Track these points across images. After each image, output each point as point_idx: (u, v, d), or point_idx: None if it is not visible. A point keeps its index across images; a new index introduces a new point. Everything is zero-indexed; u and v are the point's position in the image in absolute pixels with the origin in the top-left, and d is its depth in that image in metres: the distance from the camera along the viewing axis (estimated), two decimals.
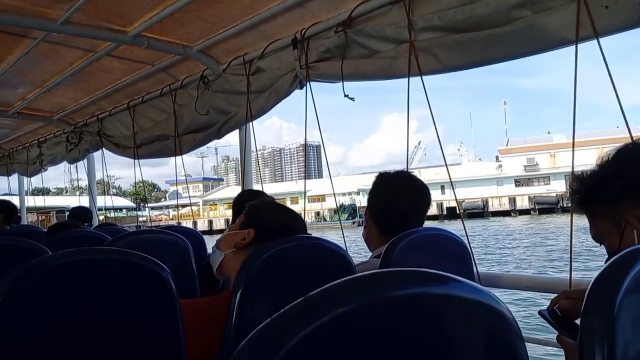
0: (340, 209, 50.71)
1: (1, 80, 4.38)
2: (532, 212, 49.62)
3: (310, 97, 3.12)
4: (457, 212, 49.44)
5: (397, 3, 2.51)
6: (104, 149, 5.41)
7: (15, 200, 7.57)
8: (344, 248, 1.81)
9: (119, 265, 1.33)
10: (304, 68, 3.05)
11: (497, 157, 63.36)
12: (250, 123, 3.72)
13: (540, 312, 1.20)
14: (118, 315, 1.30)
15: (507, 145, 62.09)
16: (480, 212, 51.40)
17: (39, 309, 1.20)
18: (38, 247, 2.01)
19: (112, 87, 4.57)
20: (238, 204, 2.97)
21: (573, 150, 1.98)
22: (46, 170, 6.83)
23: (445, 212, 49.12)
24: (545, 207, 48.94)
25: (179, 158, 4.37)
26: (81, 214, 5.45)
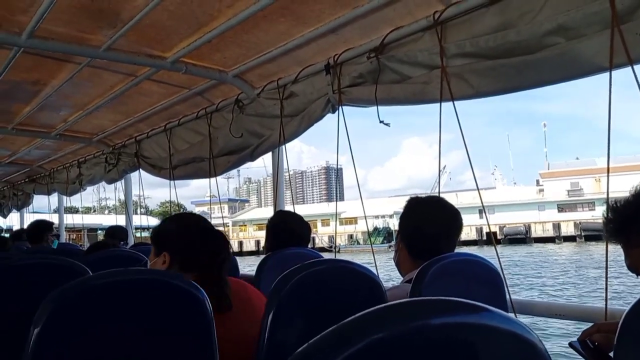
0: (374, 232, 49.66)
1: (45, 104, 4.57)
2: (577, 238, 47.61)
3: (343, 121, 3.16)
4: (497, 237, 47.81)
5: (429, 30, 2.54)
6: (140, 169, 5.56)
7: (55, 219, 7.81)
8: (376, 272, 1.83)
9: (156, 286, 1.37)
10: (336, 93, 3.09)
11: (537, 182, 61.34)
12: (283, 146, 3.78)
13: (571, 344, 1.18)
14: (155, 334, 1.34)
15: (548, 169, 60.18)
16: (522, 237, 49.59)
17: (81, 327, 1.25)
18: (78, 265, 2.07)
19: (150, 110, 4.71)
20: (271, 226, 3.01)
21: (608, 177, 1.96)
22: (85, 189, 7.03)
23: (484, 237, 47.14)
24: (591, 234, 46.14)
25: (209, 180, 4.47)
26: (117, 233, 5.60)
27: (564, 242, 47.21)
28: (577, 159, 62.99)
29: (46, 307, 1.22)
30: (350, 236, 54.12)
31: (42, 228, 5.29)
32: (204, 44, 3.18)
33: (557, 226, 50.04)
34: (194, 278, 1.71)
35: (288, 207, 4.23)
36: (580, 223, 48.35)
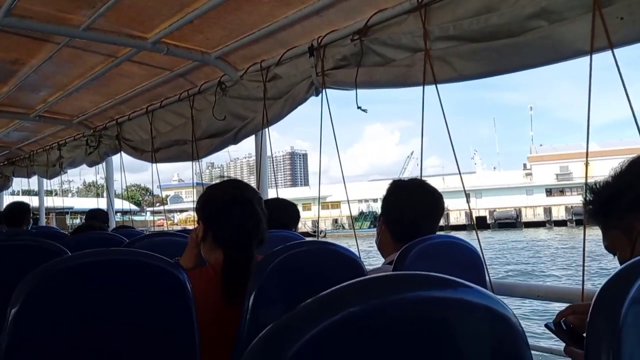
0: (360, 217, 49.07)
1: (24, 84, 4.48)
2: (569, 223, 47.20)
3: (326, 104, 3.15)
4: (487, 221, 47.25)
5: (413, 12, 2.53)
6: (122, 152, 5.50)
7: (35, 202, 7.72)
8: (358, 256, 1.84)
9: (136, 267, 1.36)
10: (320, 75, 3.08)
11: (524, 165, 60.76)
12: (267, 129, 3.76)
13: (546, 325, 1.20)
14: (135, 315, 1.33)
15: (536, 153, 59.43)
16: (512, 222, 49.20)
17: (59, 308, 1.24)
18: (58, 247, 2.05)
19: (132, 92, 4.65)
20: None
21: (587, 161, 1.98)
22: (66, 172, 6.94)
23: (474, 222, 47.50)
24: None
25: (192, 163, 4.47)
26: (98, 216, 5.52)
27: (555, 227, 47.01)
28: (541, 145, 63.07)
29: (24, 288, 1.21)
30: (335, 220, 53.54)
31: (22, 210, 5.21)
32: (186, 24, 3.13)
33: (548, 210, 49.74)
34: (220, 256, 1.69)
35: (272, 191, 4.23)
36: (572, 207, 47.76)
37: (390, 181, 2.14)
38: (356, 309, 0.52)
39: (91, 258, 1.29)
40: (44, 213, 8.80)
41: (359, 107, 2.90)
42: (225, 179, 1.90)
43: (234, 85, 3.83)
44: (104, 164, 6.11)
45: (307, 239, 2.84)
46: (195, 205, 1.84)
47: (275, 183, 3.96)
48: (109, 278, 1.32)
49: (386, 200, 2.10)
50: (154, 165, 4.99)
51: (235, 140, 3.97)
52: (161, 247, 2.35)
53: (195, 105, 4.25)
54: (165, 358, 1.39)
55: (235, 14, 3.05)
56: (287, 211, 2.99)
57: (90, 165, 6.16)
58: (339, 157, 3.35)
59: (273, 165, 4.12)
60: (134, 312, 1.33)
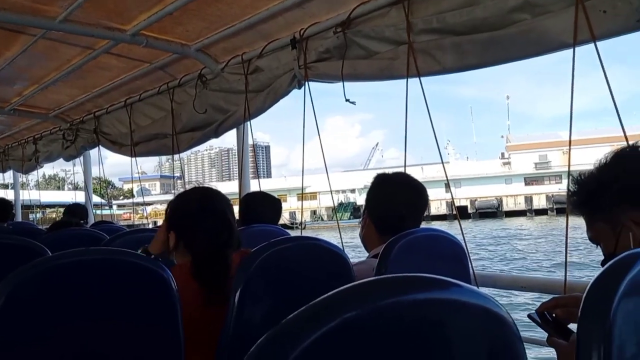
0: (340, 207, 48.59)
1: None
2: (549, 212, 47.45)
3: (309, 97, 3.13)
4: (468, 211, 47.33)
5: (396, 5, 2.52)
6: (100, 146, 5.41)
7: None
8: (342, 248, 1.83)
9: (120, 266, 1.34)
10: (302, 68, 3.06)
11: (502, 154, 60.70)
12: (248, 122, 3.72)
13: (529, 316, 1.21)
14: (119, 314, 1.31)
15: (510, 142, 59.46)
16: (493, 211, 49.21)
17: (42, 309, 1.21)
18: (38, 246, 2.01)
19: (110, 85, 4.57)
20: (251, 203, 3.00)
21: (570, 151, 2.00)
22: (42, 167, 6.82)
23: (454, 212, 46.86)
24: (563, 207, 46.91)
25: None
26: (77, 212, 5.43)
27: (536, 216, 47.08)
28: (502, 137, 63.21)
29: (3, 289, 1.17)
30: (314, 212, 52.80)
31: (4, 206, 5.10)
32: (166, 16, 3.08)
33: (529, 199, 49.77)
34: (191, 262, 1.66)
35: (253, 183, 4.21)
36: (553, 196, 48.10)
37: (362, 172, 2.13)
38: (351, 315, 0.51)
39: (74, 258, 1.26)
40: (20, 208, 8.64)
41: (347, 100, 2.89)
42: (195, 185, 1.87)
43: (214, 78, 3.79)
44: (80, 158, 6.03)
45: (290, 232, 2.84)
46: (166, 212, 1.81)
47: (258, 175, 3.93)
48: (92, 278, 1.29)
49: (371, 194, 2.10)
50: (133, 159, 4.91)
51: (217, 133, 3.93)
52: (141, 244, 2.31)
53: (175, 98, 4.19)
54: (151, 354, 1.37)
55: (216, 5, 3.01)
56: (272, 207, 2.99)
57: (68, 159, 6.06)
58: (321, 144, 3.25)
59: (240, 157, 4.07)
60: (118, 310, 1.31)
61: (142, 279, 1.35)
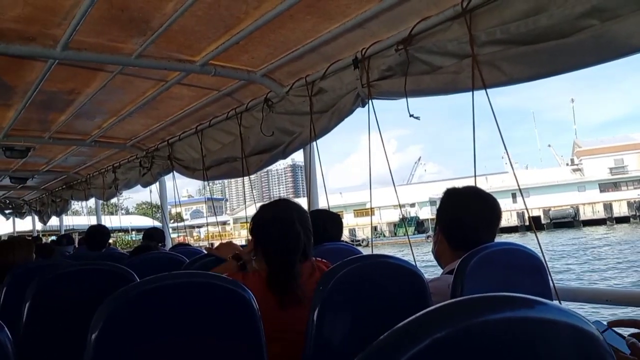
0: (403, 223, 47.89)
1: (80, 112, 4.69)
2: (632, 219, 44.78)
3: (374, 115, 3.15)
4: (542, 221, 44.69)
5: (457, 19, 2.52)
6: (174, 172, 5.66)
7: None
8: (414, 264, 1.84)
9: (204, 289, 1.41)
10: (365, 87, 3.09)
11: (572, 161, 57.55)
12: (315, 142, 3.80)
13: (614, 348, 1.14)
14: (205, 333, 1.38)
15: (580, 147, 55.45)
16: (570, 221, 46.55)
17: (136, 332, 1.30)
18: (124, 270, 2.14)
19: (181, 113, 4.79)
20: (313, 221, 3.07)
21: None
22: (121, 194, 7.20)
23: (527, 223, 43.97)
24: None
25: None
26: (154, 235, 5.72)
27: (616, 224, 44.20)
28: (549, 146, 59.31)
29: (102, 313, 1.27)
30: (375, 228, 50.92)
31: (102, 234, 5.42)
32: (232, 45, 3.21)
33: (608, 207, 46.76)
34: (266, 270, 1.81)
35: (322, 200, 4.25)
36: (635, 202, 45.08)
37: (405, 186, 2.12)
38: (442, 334, 0.53)
39: (165, 282, 1.35)
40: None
41: (411, 115, 2.90)
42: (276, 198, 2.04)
43: (280, 101, 3.89)
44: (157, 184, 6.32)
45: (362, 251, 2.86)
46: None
47: (325, 193, 3.98)
48: (178, 300, 1.37)
49: (442, 209, 2.09)
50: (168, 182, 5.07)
51: (284, 155, 4.03)
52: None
53: (243, 122, 4.34)
54: None
55: (279, 32, 3.11)
56: (337, 225, 3.05)
57: (145, 185, 6.37)
58: (387, 160, 3.25)
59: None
60: (203, 330, 1.38)
61: (225, 299, 1.42)
